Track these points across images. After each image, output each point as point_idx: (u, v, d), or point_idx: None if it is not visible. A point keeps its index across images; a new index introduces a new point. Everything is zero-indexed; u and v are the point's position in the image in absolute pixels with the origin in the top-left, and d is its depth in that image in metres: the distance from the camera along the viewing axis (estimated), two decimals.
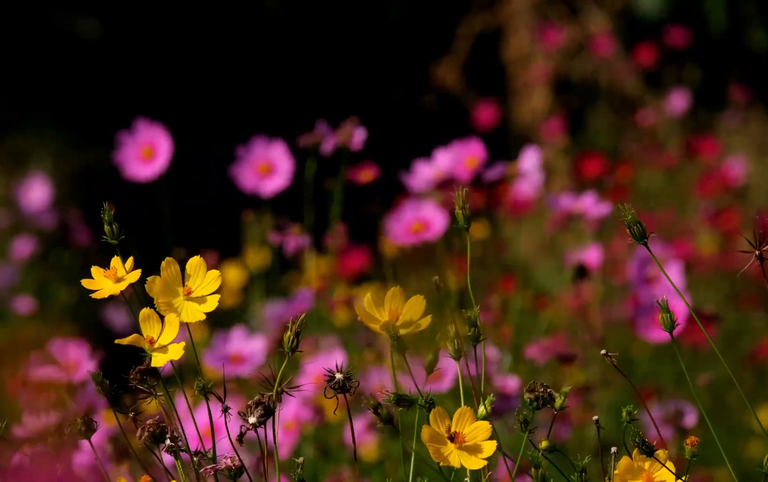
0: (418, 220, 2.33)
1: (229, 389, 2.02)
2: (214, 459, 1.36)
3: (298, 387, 1.35)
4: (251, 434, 1.36)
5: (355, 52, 5.82)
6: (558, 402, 1.37)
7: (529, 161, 2.51)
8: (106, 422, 1.97)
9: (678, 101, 4.45)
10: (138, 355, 1.58)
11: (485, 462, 1.32)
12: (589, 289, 2.76)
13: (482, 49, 5.32)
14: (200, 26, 5.78)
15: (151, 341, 1.34)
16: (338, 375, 1.33)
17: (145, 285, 1.34)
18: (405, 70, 5.73)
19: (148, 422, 1.35)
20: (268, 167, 2.40)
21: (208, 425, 1.39)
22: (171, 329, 1.34)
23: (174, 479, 1.39)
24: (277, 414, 1.34)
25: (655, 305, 2.37)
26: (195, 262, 1.37)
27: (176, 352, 1.33)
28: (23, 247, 3.58)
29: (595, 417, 1.38)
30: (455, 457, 1.30)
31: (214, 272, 1.37)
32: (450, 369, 2.07)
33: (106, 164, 2.51)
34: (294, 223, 2.44)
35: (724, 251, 3.64)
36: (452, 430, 1.31)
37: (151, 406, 1.36)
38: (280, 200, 2.44)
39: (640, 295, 2.41)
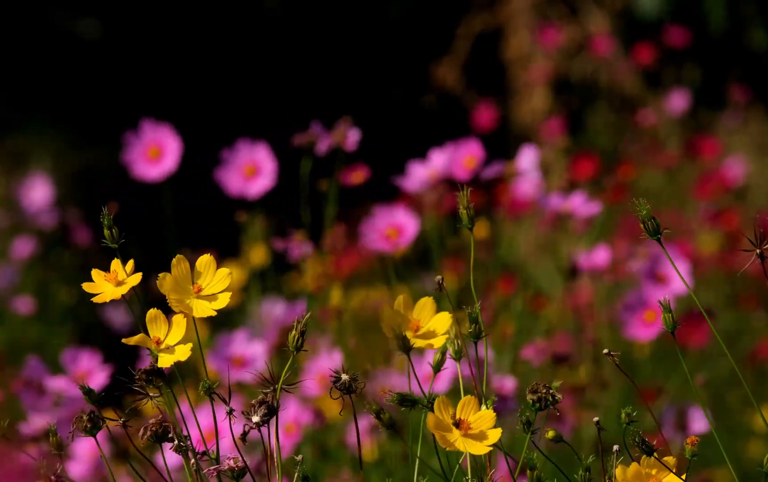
0: (392, 225, 2.32)
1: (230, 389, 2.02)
2: (217, 460, 1.36)
3: (300, 381, 1.35)
4: (252, 434, 1.36)
5: (355, 52, 5.82)
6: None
7: (527, 159, 2.51)
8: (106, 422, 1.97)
9: (678, 101, 4.45)
10: (138, 355, 1.58)
11: (491, 448, 1.33)
12: (586, 289, 2.76)
13: (482, 49, 5.32)
14: (200, 26, 5.78)
15: (158, 342, 1.34)
16: (344, 376, 1.34)
17: (156, 282, 1.33)
18: (405, 70, 5.74)
19: (150, 421, 1.35)
20: (253, 169, 2.39)
21: (207, 425, 1.38)
22: (178, 330, 1.34)
23: (174, 480, 1.39)
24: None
25: (641, 304, 2.37)
26: (205, 260, 1.37)
27: (183, 353, 1.33)
28: (23, 247, 3.58)
29: (596, 418, 1.39)
30: (461, 443, 1.32)
31: (224, 270, 1.36)
32: (448, 369, 2.06)
33: (106, 164, 2.51)
34: (292, 224, 2.43)
35: (724, 251, 3.64)
36: (457, 417, 1.32)
37: (151, 406, 1.36)
38: (275, 201, 2.43)
39: (646, 294, 2.40)
